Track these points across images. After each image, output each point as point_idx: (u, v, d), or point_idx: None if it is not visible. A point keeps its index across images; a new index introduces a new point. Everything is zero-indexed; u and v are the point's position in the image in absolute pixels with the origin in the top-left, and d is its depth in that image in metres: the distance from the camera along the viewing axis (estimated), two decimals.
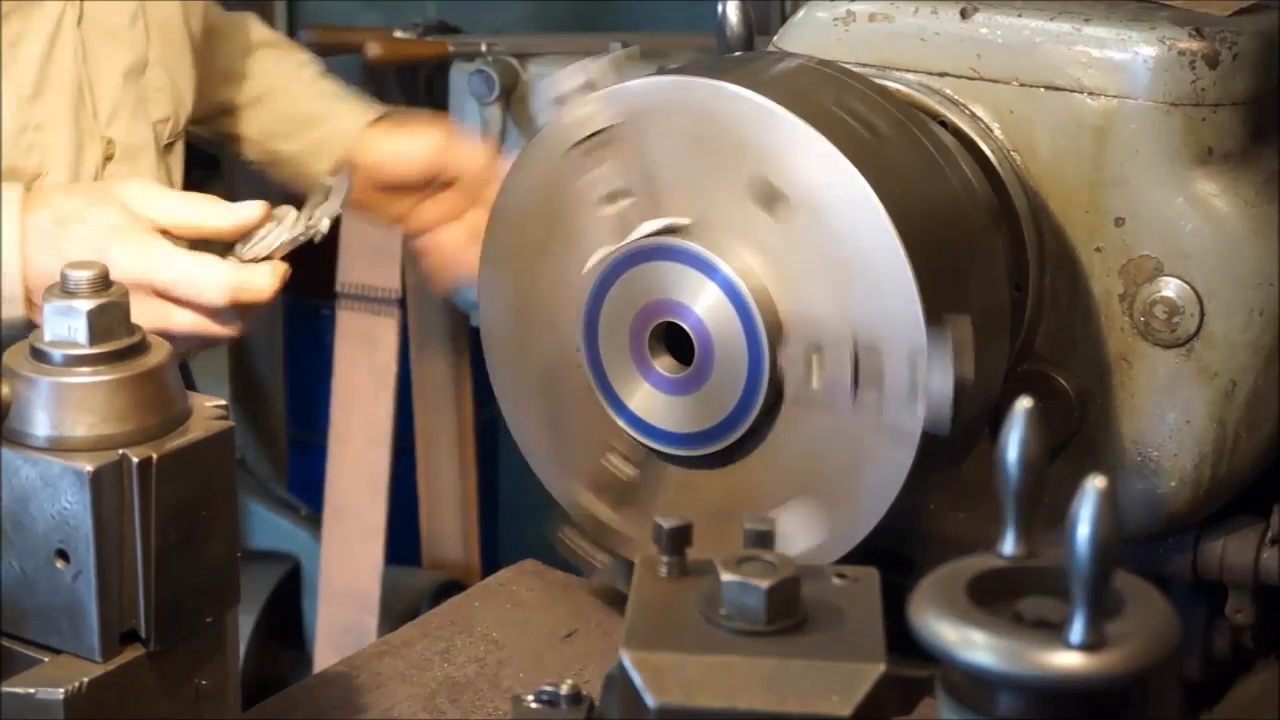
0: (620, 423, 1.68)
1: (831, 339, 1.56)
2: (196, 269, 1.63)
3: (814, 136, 1.54)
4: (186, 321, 1.66)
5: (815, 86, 1.65)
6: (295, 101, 2.22)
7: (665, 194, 1.63)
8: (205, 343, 1.69)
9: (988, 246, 1.65)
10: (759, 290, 1.59)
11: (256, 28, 2.26)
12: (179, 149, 2.00)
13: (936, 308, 1.52)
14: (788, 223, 1.57)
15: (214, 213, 1.66)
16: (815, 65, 1.70)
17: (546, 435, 1.76)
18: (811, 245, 1.56)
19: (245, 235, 1.68)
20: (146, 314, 1.64)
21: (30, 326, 1.64)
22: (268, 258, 1.67)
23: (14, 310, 1.66)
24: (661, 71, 1.73)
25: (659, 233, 1.60)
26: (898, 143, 1.62)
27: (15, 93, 1.80)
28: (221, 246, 1.69)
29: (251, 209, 1.67)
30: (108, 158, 1.88)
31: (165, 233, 1.65)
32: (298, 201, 1.72)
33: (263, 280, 1.66)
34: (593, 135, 1.65)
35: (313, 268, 2.55)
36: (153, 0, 1.91)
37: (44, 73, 1.83)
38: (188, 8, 1.97)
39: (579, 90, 1.64)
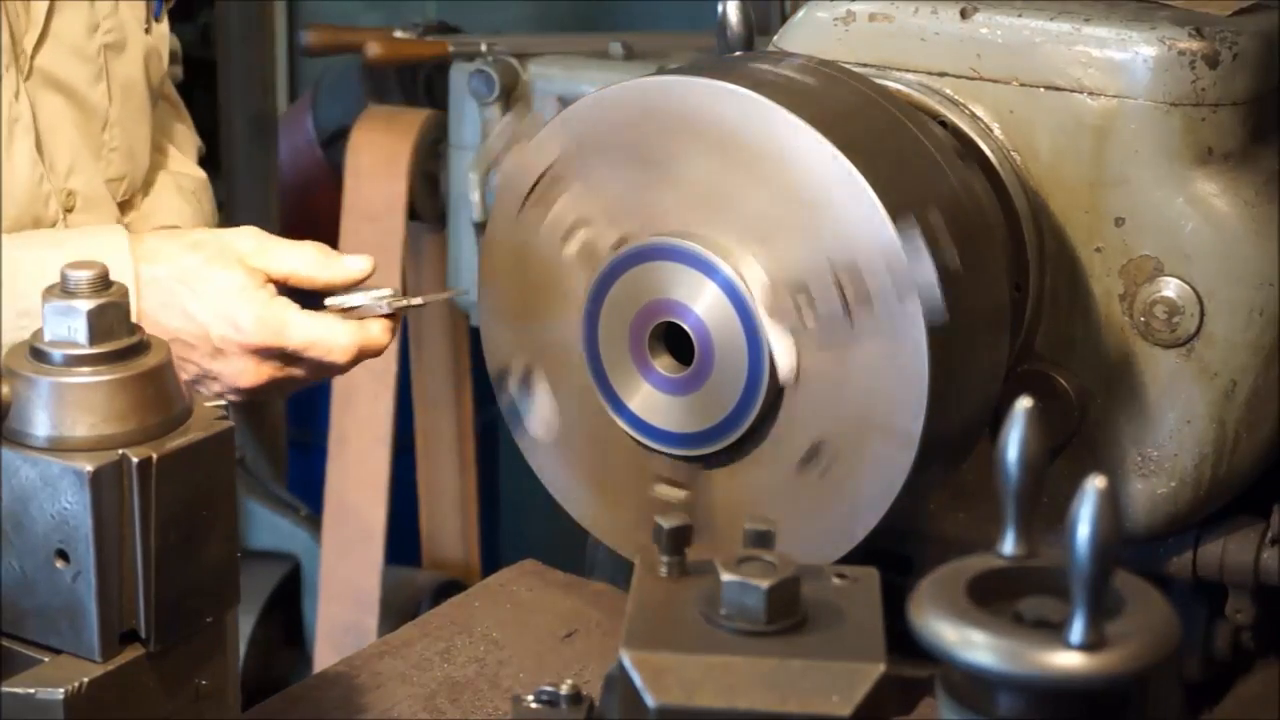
0: (621, 423, 1.68)
1: (810, 274, 1.56)
2: (325, 333, 1.67)
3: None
4: (307, 374, 1.70)
5: (806, 82, 1.65)
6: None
7: (617, 209, 1.63)
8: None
9: (987, 246, 1.65)
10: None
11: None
12: (137, 202, 1.99)
13: (901, 208, 1.51)
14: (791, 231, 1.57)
15: (328, 267, 1.69)
16: (814, 65, 1.70)
17: (587, 486, 1.74)
18: (780, 198, 1.56)
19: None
20: (268, 370, 1.67)
21: None
22: (348, 310, 1.69)
23: None
24: (661, 71, 1.73)
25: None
26: (896, 141, 1.62)
27: (28, 144, 1.79)
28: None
29: (360, 264, 1.70)
30: (68, 209, 1.87)
31: (273, 280, 1.69)
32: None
33: (382, 336, 1.70)
34: (535, 184, 1.65)
35: None
36: (117, 58, 1.88)
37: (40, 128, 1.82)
38: (149, 58, 1.94)
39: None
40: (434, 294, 1.70)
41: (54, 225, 1.84)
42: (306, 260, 1.67)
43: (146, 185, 2.01)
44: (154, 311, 1.65)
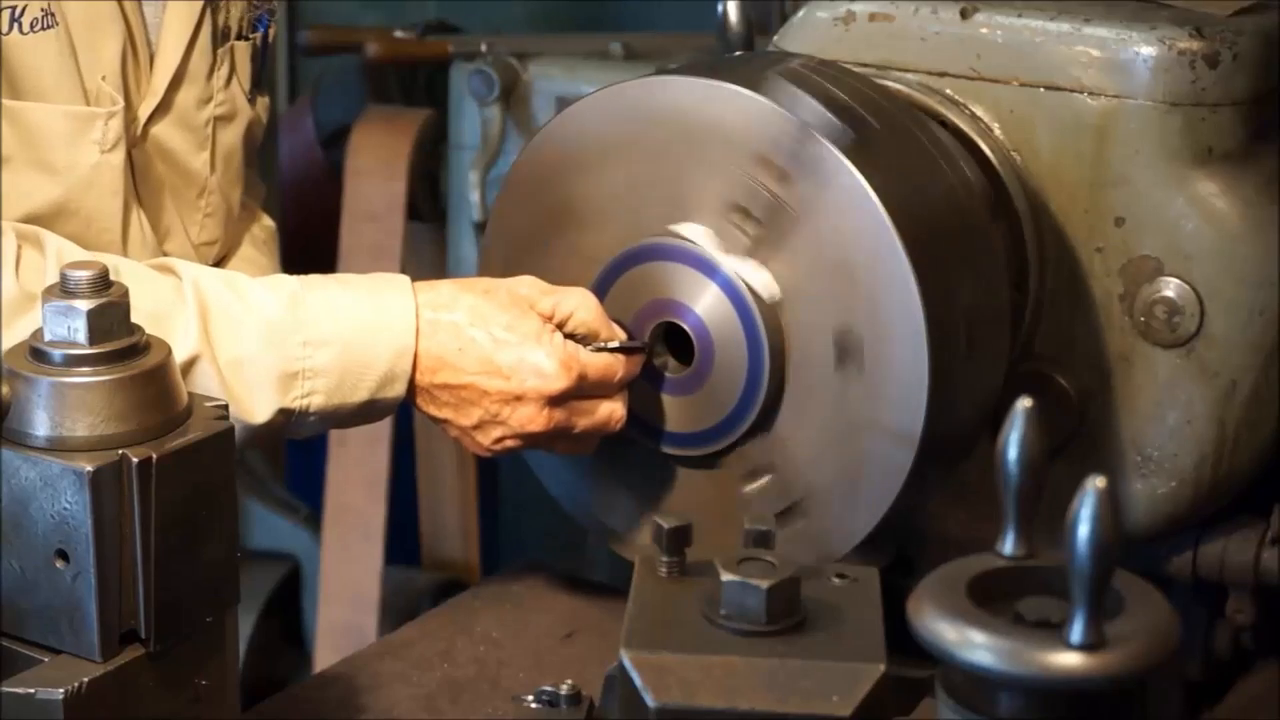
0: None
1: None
2: (609, 362, 1.66)
3: (819, 141, 1.55)
4: (580, 420, 1.68)
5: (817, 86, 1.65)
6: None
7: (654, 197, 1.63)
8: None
9: (988, 246, 1.65)
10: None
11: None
12: (225, 263, 1.98)
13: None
14: (791, 234, 1.57)
15: (604, 319, 1.68)
16: (815, 64, 1.70)
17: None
18: (816, 258, 1.57)
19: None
20: (557, 417, 1.65)
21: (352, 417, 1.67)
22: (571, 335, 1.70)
23: (392, 390, 1.67)
24: (661, 71, 1.73)
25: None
26: (897, 142, 1.62)
27: (143, 210, 1.79)
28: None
29: (619, 330, 1.69)
30: None
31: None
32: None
33: (638, 364, 1.69)
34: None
35: (313, 268, 2.54)
36: (224, 129, 1.89)
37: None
38: (251, 126, 1.93)
39: None
40: (630, 344, 1.68)
41: None
42: (588, 306, 1.67)
43: (235, 247, 2.01)
44: (453, 357, 1.65)
